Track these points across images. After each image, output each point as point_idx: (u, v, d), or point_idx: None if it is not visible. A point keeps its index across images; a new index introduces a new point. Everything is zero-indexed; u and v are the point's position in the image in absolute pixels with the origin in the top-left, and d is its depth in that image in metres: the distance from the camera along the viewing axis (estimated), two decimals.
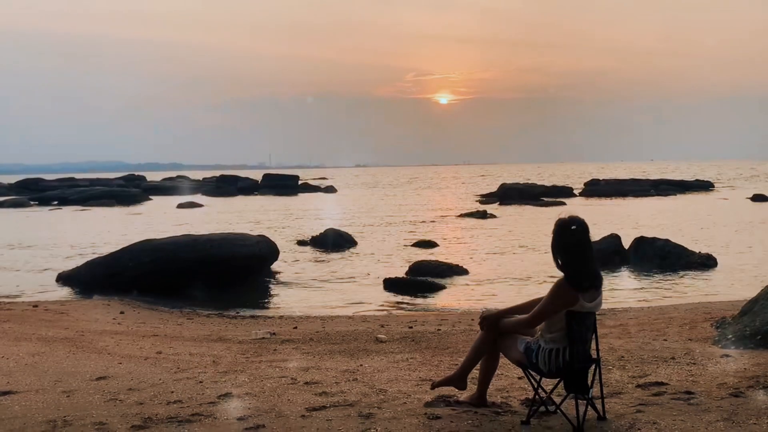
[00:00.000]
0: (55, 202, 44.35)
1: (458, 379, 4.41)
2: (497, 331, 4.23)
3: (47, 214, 36.33)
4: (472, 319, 8.79)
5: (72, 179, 62.93)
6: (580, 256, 3.89)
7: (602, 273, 4.09)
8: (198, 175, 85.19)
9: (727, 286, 12.09)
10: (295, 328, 8.60)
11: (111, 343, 7.35)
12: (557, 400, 4.08)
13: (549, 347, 3.96)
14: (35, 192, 50.96)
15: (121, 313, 10.13)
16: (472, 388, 4.51)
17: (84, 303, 11.27)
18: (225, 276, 13.06)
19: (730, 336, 6.44)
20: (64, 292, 12.84)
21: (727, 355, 5.74)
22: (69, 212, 36.80)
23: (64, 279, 13.64)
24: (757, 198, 35.97)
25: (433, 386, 4.57)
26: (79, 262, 14.48)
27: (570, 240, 3.90)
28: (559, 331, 3.94)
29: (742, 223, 23.72)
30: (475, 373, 4.47)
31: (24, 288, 13.31)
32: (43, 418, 4.29)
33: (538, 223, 24.68)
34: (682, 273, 13.62)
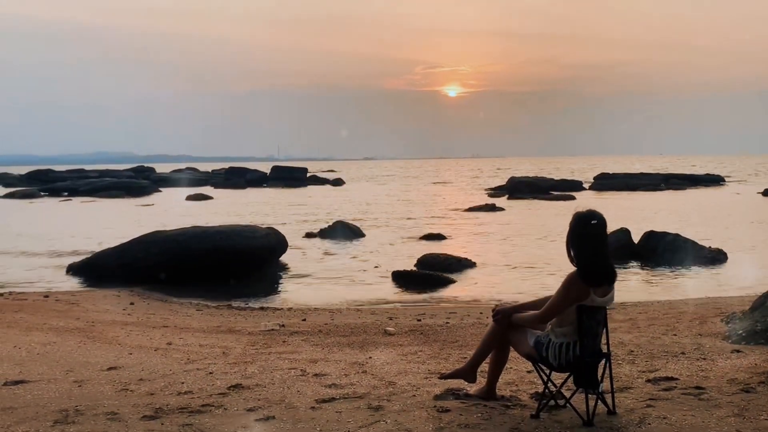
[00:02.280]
0: (66, 193, 44.58)
1: (468, 372, 4.41)
2: (509, 324, 4.22)
3: (58, 205, 36.54)
4: (481, 312, 8.79)
5: (82, 170, 63.22)
6: (595, 251, 3.86)
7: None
8: (207, 167, 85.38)
9: (737, 281, 12.01)
10: (304, 320, 8.63)
11: (121, 333, 7.40)
12: (567, 394, 4.07)
13: (559, 341, 3.96)
14: (45, 183, 51.27)
15: (131, 303, 10.19)
16: (481, 381, 4.51)
17: (94, 293, 11.33)
18: (234, 268, 13.10)
19: (741, 331, 6.41)
20: (75, 283, 12.92)
21: (738, 351, 5.71)
22: (79, 203, 37.00)
23: (74, 270, 13.72)
24: None
25: (442, 377, 4.58)
26: (90, 252, 14.56)
27: (587, 234, 3.87)
28: (569, 325, 3.93)
29: (753, 218, 23.56)
30: (484, 366, 4.47)
31: (35, 278, 13.41)
32: (55, 408, 4.32)
33: (546, 217, 24.59)
34: (692, 267, 13.56)
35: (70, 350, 6.32)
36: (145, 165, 75.74)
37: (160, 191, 46.84)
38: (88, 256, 14.16)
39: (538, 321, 4.06)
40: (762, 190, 36.92)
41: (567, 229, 4.00)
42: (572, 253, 3.92)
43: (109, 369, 5.49)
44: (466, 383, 4.53)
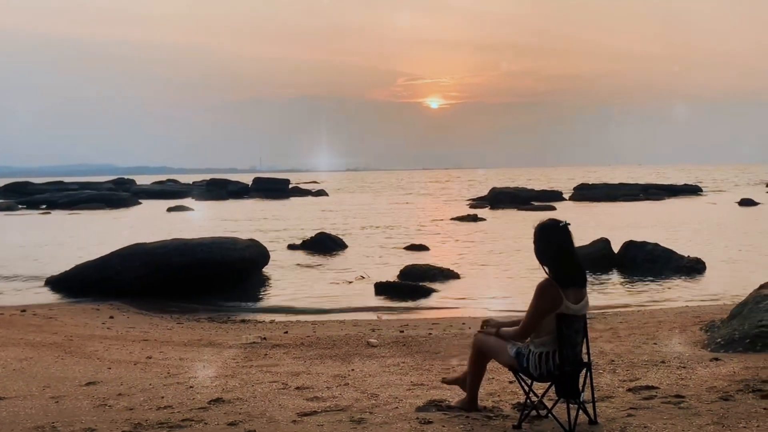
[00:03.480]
0: (44, 206, 44.03)
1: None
2: (490, 334, 4.26)
3: (36, 217, 36.08)
4: (463, 323, 8.80)
5: (61, 183, 62.48)
6: (565, 253, 3.97)
7: (592, 276, 4.15)
8: (188, 178, 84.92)
9: (715, 290, 12.15)
10: (286, 332, 8.58)
11: (100, 348, 7.31)
12: (549, 404, 4.09)
13: (539, 351, 3.99)
14: (24, 195, 50.58)
15: (111, 317, 10.07)
16: (463, 392, 4.51)
17: (73, 307, 11.18)
18: (215, 280, 13.00)
19: (720, 339, 6.49)
20: (53, 297, 12.73)
21: (717, 359, 5.77)
22: (58, 216, 36.56)
23: (52, 283, 13.53)
24: (745, 202, 36.24)
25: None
26: (68, 266, 14.36)
27: (556, 238, 3.99)
28: (548, 335, 3.96)
29: (730, 227, 23.89)
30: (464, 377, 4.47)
31: (12, 292, 13.20)
32: (32, 425, 4.25)
33: (528, 227, 24.71)
34: (671, 277, 13.68)
35: (47, 365, 6.23)
36: (126, 177, 75.18)
37: (141, 203, 46.42)
38: (67, 269, 13.97)
39: (519, 336, 4.11)
40: (738, 200, 37.49)
41: (542, 242, 4.06)
42: (543, 260, 4.01)
43: (88, 384, 5.41)
44: (449, 395, 4.53)
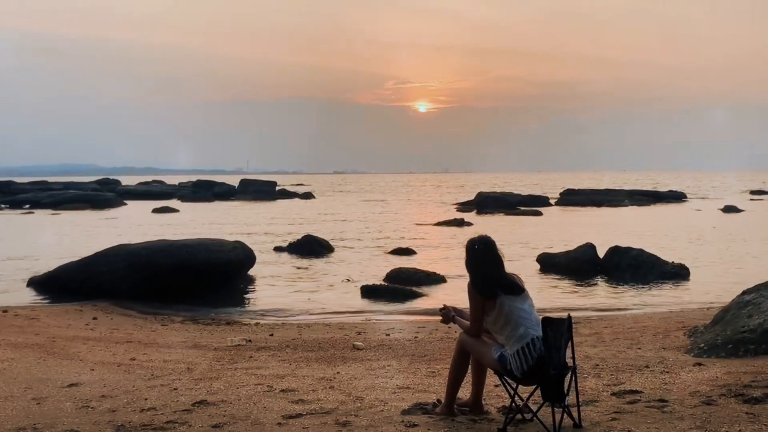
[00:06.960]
0: (27, 206, 43.61)
1: (447, 408, 4.39)
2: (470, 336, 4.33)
3: (19, 217, 35.71)
4: (449, 327, 8.80)
5: (45, 182, 61.93)
6: (483, 268, 4.26)
7: (577, 281, 4.22)
8: (174, 179, 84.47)
9: (699, 296, 12.26)
10: (272, 335, 8.54)
11: (83, 349, 7.24)
12: (533, 407, 4.10)
13: (515, 349, 4.03)
14: (7, 195, 50.07)
15: (94, 318, 9.98)
16: (443, 394, 4.51)
17: (56, 308, 11.07)
18: (201, 282, 12.92)
19: (703, 345, 6.54)
20: (36, 298, 12.61)
21: (700, 364, 5.82)
22: (41, 216, 36.21)
23: (35, 284, 13.39)
24: (729, 209, 36.61)
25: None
26: (51, 266, 14.22)
27: (473, 255, 4.31)
28: (503, 328, 4.08)
29: (714, 234, 24.12)
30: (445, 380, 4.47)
31: None
32: (12, 426, 4.20)
33: (514, 232, 24.84)
34: (655, 282, 13.79)
35: (28, 367, 6.16)
36: (111, 177, 74.62)
37: (126, 204, 46.10)
38: (50, 269, 13.83)
39: (469, 333, 4.28)
40: (722, 207, 37.87)
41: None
42: (467, 271, 4.32)
43: (70, 386, 5.36)
44: (434, 398, 4.53)
